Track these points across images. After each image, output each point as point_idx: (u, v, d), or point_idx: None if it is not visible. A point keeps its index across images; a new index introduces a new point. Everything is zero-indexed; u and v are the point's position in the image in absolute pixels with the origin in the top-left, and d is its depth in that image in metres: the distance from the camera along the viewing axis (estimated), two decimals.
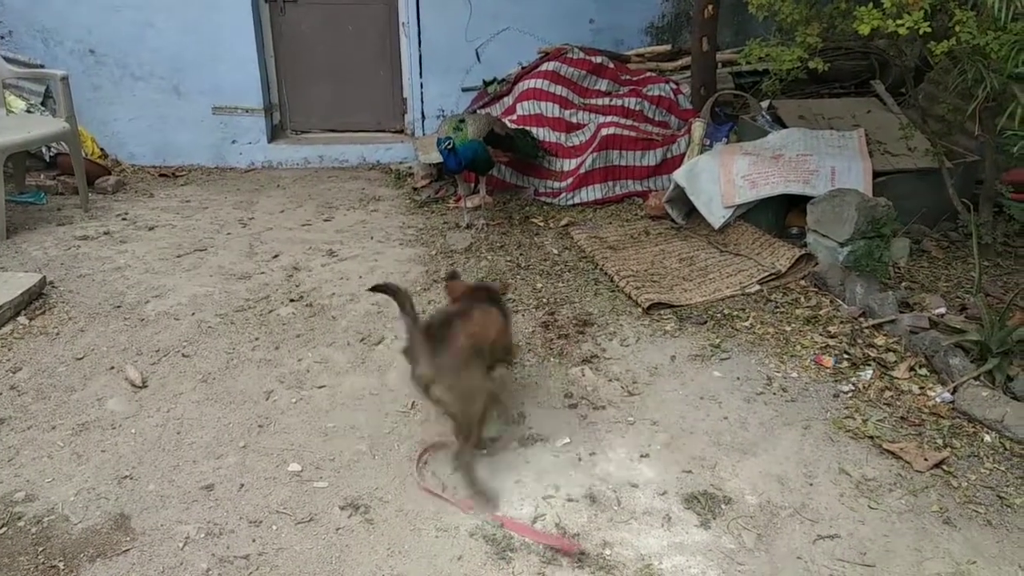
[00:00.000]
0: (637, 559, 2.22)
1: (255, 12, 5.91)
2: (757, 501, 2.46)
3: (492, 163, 4.72)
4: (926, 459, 2.60)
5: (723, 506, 2.44)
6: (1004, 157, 4.14)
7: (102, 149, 5.94)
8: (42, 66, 5.57)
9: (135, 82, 5.96)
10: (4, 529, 2.32)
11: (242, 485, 2.53)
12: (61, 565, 2.19)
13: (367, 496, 2.48)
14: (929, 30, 2.96)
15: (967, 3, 3.01)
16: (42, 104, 5.64)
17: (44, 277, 3.85)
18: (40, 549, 2.25)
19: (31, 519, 2.36)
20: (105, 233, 4.66)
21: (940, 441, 2.70)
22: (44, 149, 5.48)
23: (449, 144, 4.31)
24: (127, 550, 2.25)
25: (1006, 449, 2.65)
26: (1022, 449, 2.64)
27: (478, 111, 5.77)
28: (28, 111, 5.42)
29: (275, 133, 6.38)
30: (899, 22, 2.95)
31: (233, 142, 6.21)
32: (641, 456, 2.68)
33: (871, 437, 2.74)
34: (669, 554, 2.25)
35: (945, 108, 4.12)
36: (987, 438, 2.71)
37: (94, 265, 4.18)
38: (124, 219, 4.94)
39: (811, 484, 2.54)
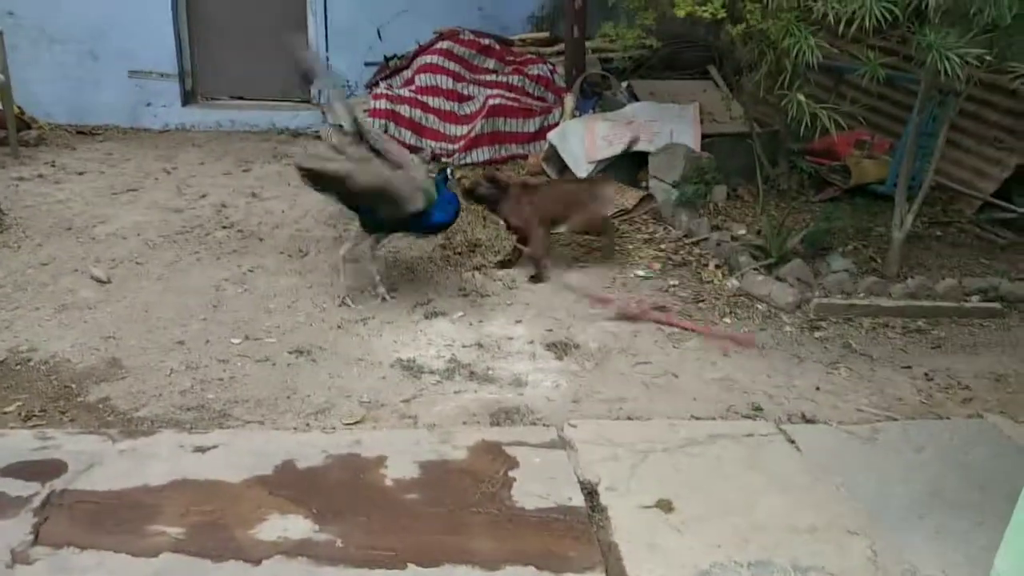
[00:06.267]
0: (512, 375, 3.12)
1: None
2: (597, 346, 3.41)
3: None
4: (714, 323, 3.64)
5: (573, 349, 3.38)
6: (794, 125, 5.34)
7: (18, 106, 6.27)
8: None
9: (52, 44, 6.33)
10: (19, 367, 2.95)
11: (207, 340, 3.24)
12: (74, 387, 2.86)
13: (308, 346, 3.25)
14: (725, 15, 4.02)
15: None
16: None
17: None
18: (53, 378, 2.90)
19: (39, 360, 3.00)
20: (39, 176, 5.12)
21: (727, 309, 3.77)
22: None
23: None
24: (124, 377, 2.94)
25: (771, 313, 3.74)
26: (779, 311, 3.74)
27: (380, 82, 6.55)
28: None
29: (188, 98, 6.88)
30: (703, 8, 4.00)
31: (148, 105, 6.67)
32: (516, 322, 3.58)
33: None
34: (534, 373, 3.16)
35: (753, 84, 5.26)
36: (759, 307, 3.79)
37: (37, 199, 4.68)
38: (53, 166, 5.39)
39: (635, 337, 3.52)
